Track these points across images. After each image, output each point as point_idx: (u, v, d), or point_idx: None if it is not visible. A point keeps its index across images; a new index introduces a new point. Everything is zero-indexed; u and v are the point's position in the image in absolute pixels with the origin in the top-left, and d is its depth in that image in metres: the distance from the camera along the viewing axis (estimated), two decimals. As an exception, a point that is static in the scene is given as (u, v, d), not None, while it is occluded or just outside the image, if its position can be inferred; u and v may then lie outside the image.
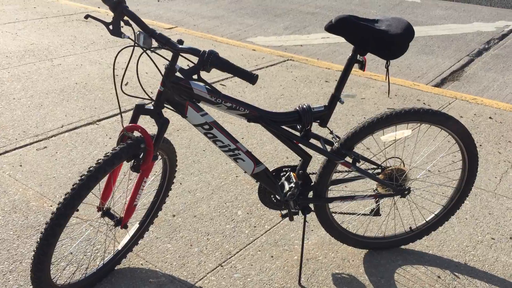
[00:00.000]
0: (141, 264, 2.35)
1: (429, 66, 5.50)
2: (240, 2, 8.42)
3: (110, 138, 3.48)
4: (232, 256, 2.43)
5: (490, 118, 4.03)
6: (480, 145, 3.57)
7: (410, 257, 2.45)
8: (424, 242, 2.55)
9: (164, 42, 1.73)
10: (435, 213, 2.45)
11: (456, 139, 2.22)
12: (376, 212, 2.39)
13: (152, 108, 1.89)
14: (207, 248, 2.47)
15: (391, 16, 1.99)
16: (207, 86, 1.82)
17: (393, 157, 2.29)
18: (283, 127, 2.05)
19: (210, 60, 1.61)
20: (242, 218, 2.71)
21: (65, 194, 1.76)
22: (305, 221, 2.23)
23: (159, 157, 2.20)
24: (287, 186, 2.09)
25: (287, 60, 5.36)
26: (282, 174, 2.17)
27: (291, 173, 2.11)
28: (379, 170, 2.28)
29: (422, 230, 2.46)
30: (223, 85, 4.54)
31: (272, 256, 2.43)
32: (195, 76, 1.75)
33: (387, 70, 2.03)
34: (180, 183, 3.00)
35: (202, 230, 2.60)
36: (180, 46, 1.72)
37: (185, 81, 1.87)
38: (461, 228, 2.66)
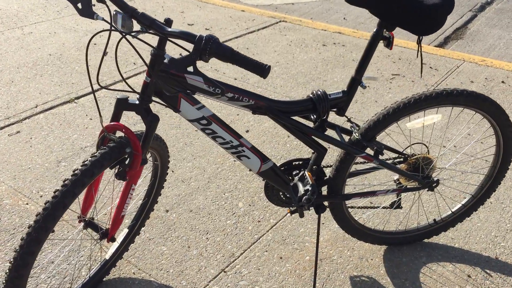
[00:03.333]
0: (133, 273, 2.06)
1: (430, 24, 5.14)
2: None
3: (91, 119, 3.12)
4: (236, 259, 2.15)
5: (502, 82, 3.73)
6: (496, 114, 3.28)
7: (434, 253, 2.19)
8: (449, 233, 2.28)
9: (148, 24, 1.38)
10: (463, 203, 2.18)
11: (492, 122, 1.92)
12: (397, 205, 2.11)
13: (137, 102, 1.55)
14: (207, 250, 2.19)
15: (426, -18, 1.64)
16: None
17: (417, 143, 1.98)
18: (295, 118, 1.73)
19: (209, 47, 1.27)
20: (244, 211, 2.41)
21: (36, 215, 1.44)
22: (319, 221, 1.94)
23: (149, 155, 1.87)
24: (301, 189, 1.78)
25: (280, 21, 4.96)
26: (294, 171, 1.86)
27: (306, 172, 1.80)
28: (401, 159, 1.99)
29: (447, 222, 2.20)
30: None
31: (281, 258, 2.16)
32: (190, 69, 1.42)
33: (419, 47, 1.70)
34: (173, 171, 2.68)
35: (200, 227, 2.31)
36: (169, 29, 1.37)
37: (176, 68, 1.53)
38: (487, 215, 2.40)
